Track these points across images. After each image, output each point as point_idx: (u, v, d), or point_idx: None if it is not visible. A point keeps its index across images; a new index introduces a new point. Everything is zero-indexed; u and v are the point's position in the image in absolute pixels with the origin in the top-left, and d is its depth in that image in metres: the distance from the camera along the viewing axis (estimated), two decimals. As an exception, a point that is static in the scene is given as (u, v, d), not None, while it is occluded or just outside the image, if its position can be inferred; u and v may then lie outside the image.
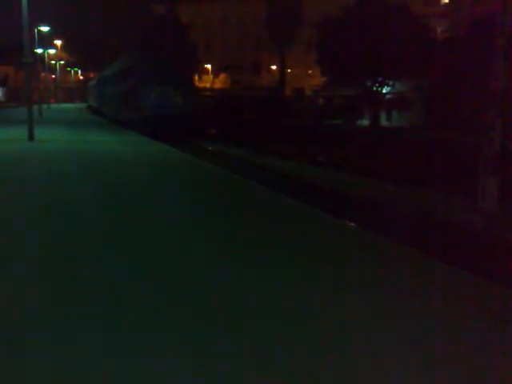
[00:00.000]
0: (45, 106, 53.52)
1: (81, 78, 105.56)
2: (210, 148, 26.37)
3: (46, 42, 56.78)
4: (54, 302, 4.54)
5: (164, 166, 14.36)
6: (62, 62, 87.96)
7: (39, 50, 51.59)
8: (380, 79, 46.46)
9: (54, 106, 72.01)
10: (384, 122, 47.75)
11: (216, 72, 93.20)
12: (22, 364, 3.51)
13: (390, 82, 46.66)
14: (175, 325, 4.13)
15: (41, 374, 3.38)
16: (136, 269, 5.46)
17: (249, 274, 5.39)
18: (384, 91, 48.11)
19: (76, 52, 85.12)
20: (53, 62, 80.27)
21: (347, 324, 4.22)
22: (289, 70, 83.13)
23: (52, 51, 68.00)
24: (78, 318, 4.21)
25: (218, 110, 57.82)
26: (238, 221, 7.83)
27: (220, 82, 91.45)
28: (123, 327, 4.08)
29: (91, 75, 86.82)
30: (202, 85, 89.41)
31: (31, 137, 21.08)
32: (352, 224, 8.32)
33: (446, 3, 66.20)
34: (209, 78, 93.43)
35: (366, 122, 47.72)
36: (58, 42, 78.48)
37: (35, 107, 32.58)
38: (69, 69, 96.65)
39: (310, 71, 78.75)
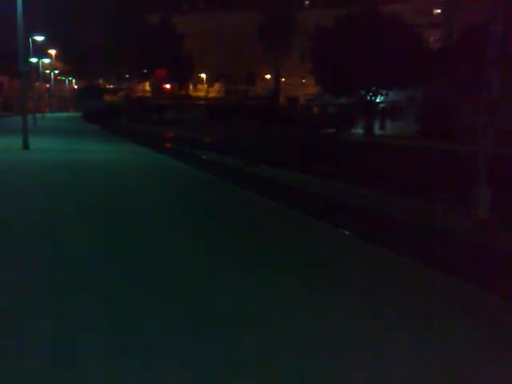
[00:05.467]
0: (39, 116, 53.43)
1: (75, 87, 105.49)
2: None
3: (41, 51, 56.71)
4: (54, 300, 4.60)
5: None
6: (57, 72, 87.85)
7: (34, 60, 51.48)
8: (374, 88, 46.72)
9: (48, 115, 71.94)
10: (378, 131, 47.98)
11: (211, 81, 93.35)
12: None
13: (384, 92, 46.95)
14: (175, 323, 4.19)
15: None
16: (135, 263, 5.52)
17: (246, 274, 5.48)
18: (378, 100, 48.39)
19: (70, 61, 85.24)
20: (47, 71, 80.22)
21: (347, 326, 4.30)
22: (283, 79, 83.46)
23: (46, 60, 67.98)
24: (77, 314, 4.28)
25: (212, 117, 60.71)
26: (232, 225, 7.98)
27: (214, 91, 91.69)
28: (124, 328, 4.14)
29: (85, 84, 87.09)
30: (195, 94, 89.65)
31: (26, 146, 21.07)
32: (346, 232, 8.36)
33: (438, 13, 66.84)
34: (203, 87, 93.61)
35: (359, 131, 47.83)
36: (53, 52, 78.47)
37: (30, 116, 32.62)
38: (63, 78, 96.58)
39: (303, 80, 79.12)
